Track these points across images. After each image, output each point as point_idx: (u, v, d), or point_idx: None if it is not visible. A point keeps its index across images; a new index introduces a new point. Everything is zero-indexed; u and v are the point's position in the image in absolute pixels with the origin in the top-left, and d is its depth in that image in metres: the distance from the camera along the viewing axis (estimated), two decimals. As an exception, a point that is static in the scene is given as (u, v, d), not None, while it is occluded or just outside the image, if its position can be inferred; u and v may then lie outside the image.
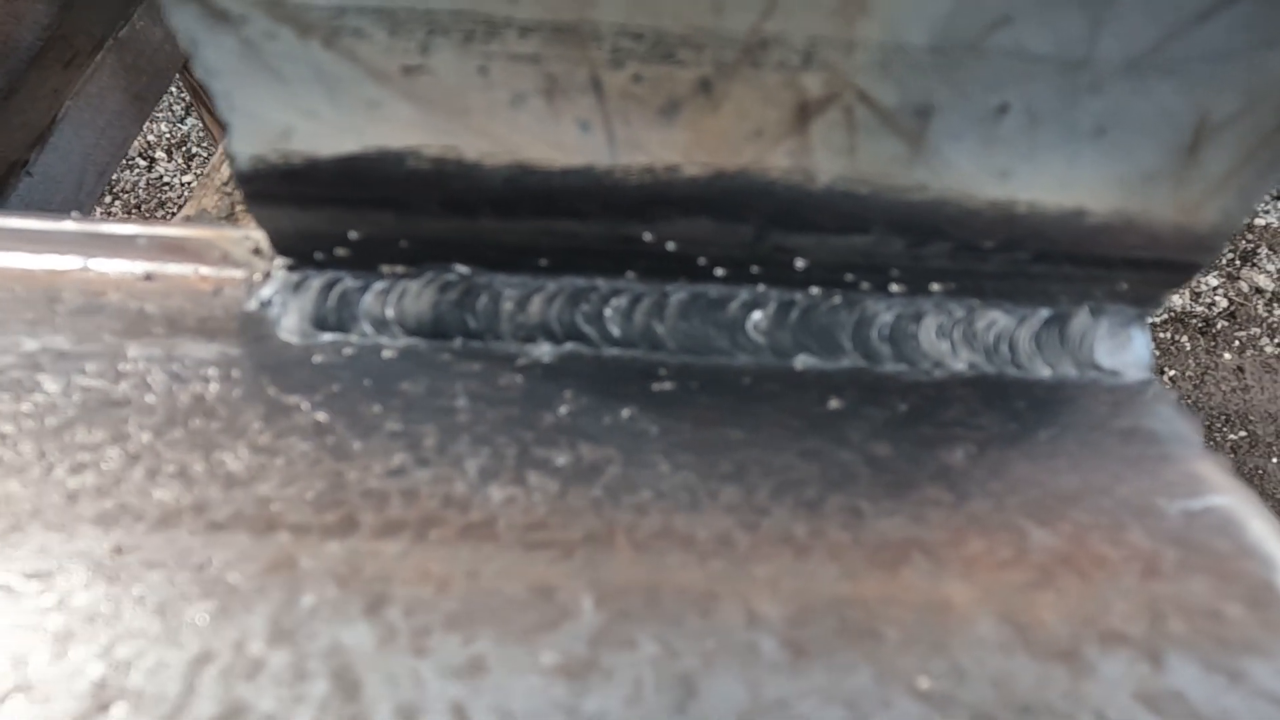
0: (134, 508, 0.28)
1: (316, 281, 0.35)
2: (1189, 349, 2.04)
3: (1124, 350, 0.35)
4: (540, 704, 0.24)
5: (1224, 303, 2.10)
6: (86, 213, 1.38)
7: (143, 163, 2.40)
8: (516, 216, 0.32)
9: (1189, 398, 1.97)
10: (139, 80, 1.40)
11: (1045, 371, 0.35)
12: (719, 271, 0.34)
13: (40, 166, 1.25)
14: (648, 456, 0.31)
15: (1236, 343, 2.04)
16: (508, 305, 0.35)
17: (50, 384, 0.32)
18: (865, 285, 0.34)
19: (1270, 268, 2.16)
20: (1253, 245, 2.20)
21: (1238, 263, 2.16)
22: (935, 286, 0.34)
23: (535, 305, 0.35)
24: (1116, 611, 0.27)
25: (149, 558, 0.27)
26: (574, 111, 0.28)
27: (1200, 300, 2.12)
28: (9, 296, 0.35)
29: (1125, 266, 0.32)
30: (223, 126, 0.29)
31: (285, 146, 0.29)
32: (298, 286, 0.35)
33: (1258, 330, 2.06)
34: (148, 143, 2.46)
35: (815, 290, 0.34)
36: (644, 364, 0.34)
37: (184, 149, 2.43)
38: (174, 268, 0.37)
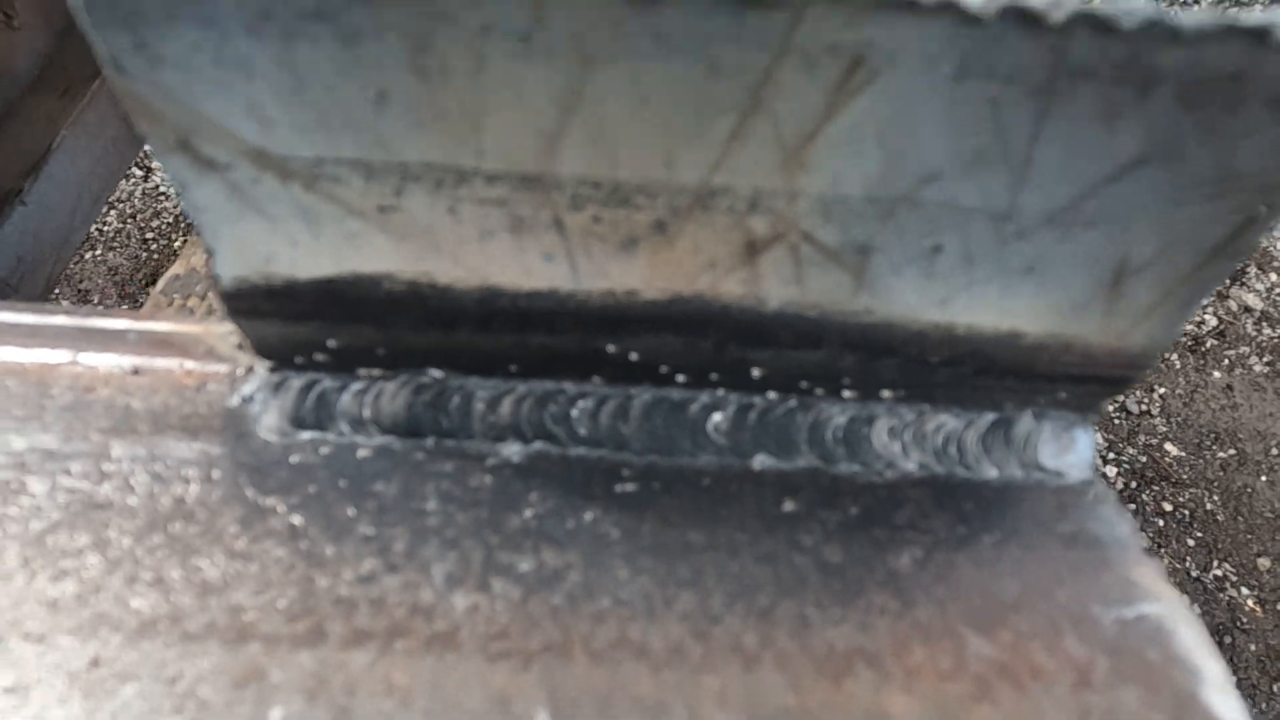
0: (112, 618, 0.29)
1: (297, 382, 0.36)
2: (1179, 367, 2.06)
3: (1067, 452, 0.37)
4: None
5: (1213, 321, 2.12)
6: (82, 236, 1.40)
7: (139, 172, 2.41)
8: (488, 331, 0.33)
9: (1178, 415, 1.98)
10: (136, 108, 1.41)
11: (992, 472, 0.36)
12: (680, 378, 0.36)
13: (35, 195, 1.26)
14: (608, 562, 0.32)
15: (1226, 361, 2.06)
16: (479, 406, 0.36)
17: (36, 485, 0.33)
18: (819, 391, 0.36)
19: (1259, 287, 2.18)
20: (1242, 264, 2.22)
21: (1227, 281, 2.18)
22: (886, 393, 0.36)
23: (506, 406, 0.36)
24: (1047, 724, 0.29)
25: (125, 670, 0.28)
26: (539, 245, 0.29)
27: (1190, 319, 2.13)
28: (1, 393, 0.37)
29: (1064, 380, 0.34)
30: (207, 252, 0.30)
31: (267, 269, 0.31)
32: (278, 387, 0.36)
33: (1247, 349, 2.07)
34: (144, 152, 2.47)
35: (772, 395, 0.36)
36: (609, 464, 0.36)
37: (181, 163, 2.44)
38: (161, 362, 0.38)
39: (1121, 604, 0.32)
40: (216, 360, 0.38)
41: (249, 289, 0.32)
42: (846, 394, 0.36)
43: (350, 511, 0.33)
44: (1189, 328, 2.11)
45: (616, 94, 0.25)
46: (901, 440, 0.36)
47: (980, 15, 0.22)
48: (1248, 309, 2.14)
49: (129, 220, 2.34)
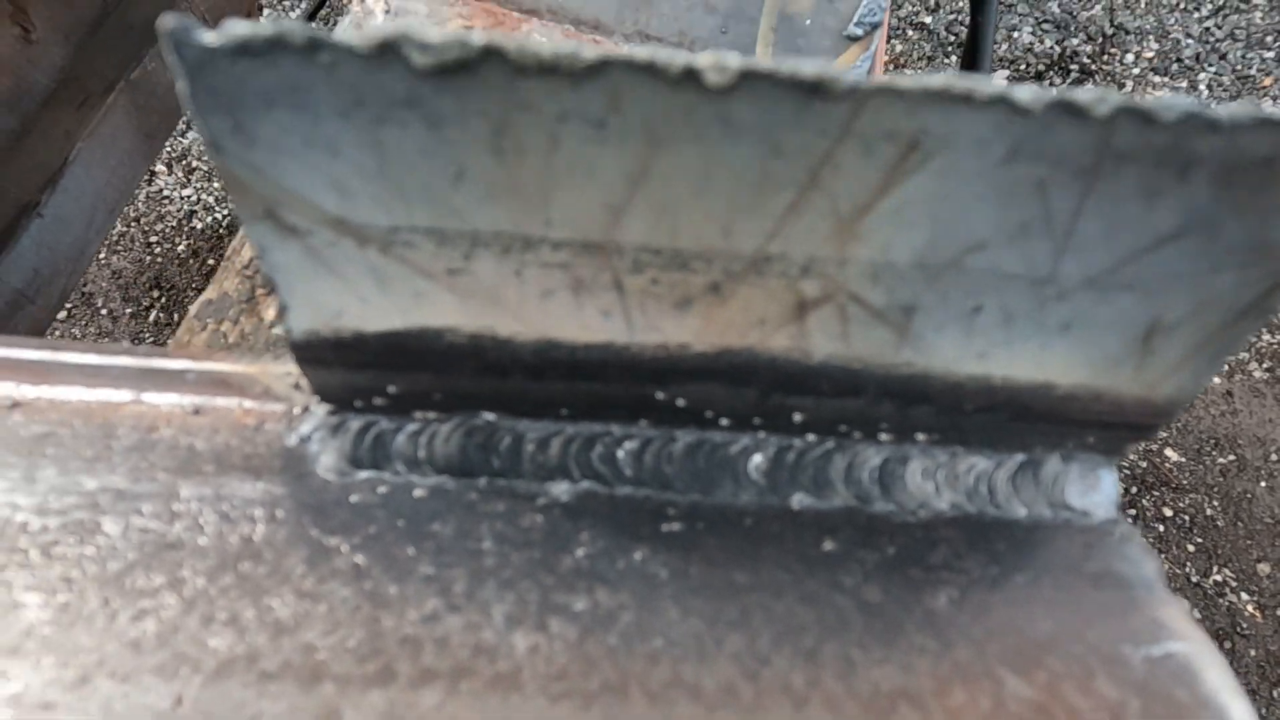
0: (191, 657, 0.31)
1: (355, 424, 0.38)
2: (1179, 375, 2.07)
3: (1093, 491, 0.38)
4: None
5: (1213, 332, 2.13)
6: (96, 248, 1.41)
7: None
8: (541, 379, 0.35)
9: (1178, 421, 1.99)
10: (149, 120, 1.43)
11: (1021, 511, 0.38)
12: (724, 422, 0.37)
13: (51, 207, 1.28)
14: (658, 602, 0.34)
15: (1225, 367, 2.07)
16: (529, 447, 0.38)
17: (110, 525, 0.35)
18: (857, 434, 0.37)
19: (1260, 294, 2.19)
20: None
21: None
22: (920, 436, 0.37)
23: (554, 447, 0.38)
24: (1082, 762, 0.30)
25: (207, 709, 0.29)
26: (597, 304, 0.31)
27: (1218, 371, 2.16)
28: (69, 433, 0.38)
29: (1093, 425, 0.36)
30: (281, 308, 0.32)
31: (337, 324, 0.32)
32: (336, 428, 0.38)
33: (1246, 355, 2.09)
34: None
35: (811, 437, 0.38)
36: (655, 503, 0.37)
37: (184, 162, 2.46)
38: (220, 401, 0.40)
39: (1150, 643, 0.34)
40: (273, 400, 0.40)
41: (318, 341, 0.33)
42: (883, 437, 0.37)
43: (410, 551, 0.35)
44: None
45: (682, 173, 0.26)
46: (935, 480, 0.38)
47: (1030, 107, 0.24)
48: (1248, 314, 2.15)
49: (132, 224, 2.35)
